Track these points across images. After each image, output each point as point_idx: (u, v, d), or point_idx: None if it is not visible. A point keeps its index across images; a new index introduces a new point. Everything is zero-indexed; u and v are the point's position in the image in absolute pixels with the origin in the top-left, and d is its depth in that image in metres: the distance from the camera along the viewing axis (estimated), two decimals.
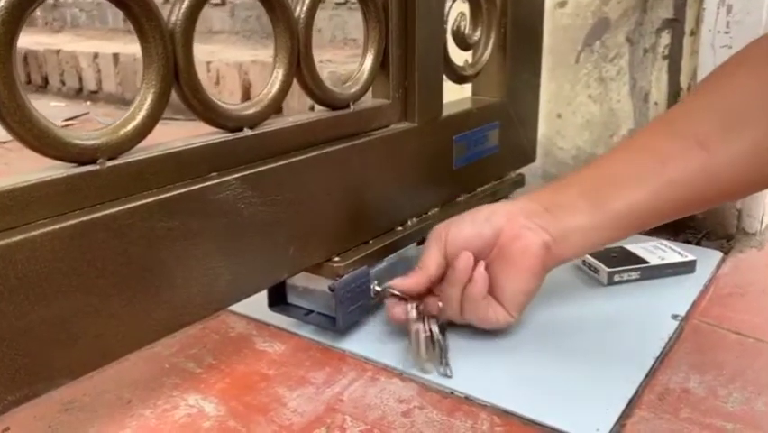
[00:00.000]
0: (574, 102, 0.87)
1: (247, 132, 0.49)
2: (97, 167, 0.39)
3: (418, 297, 0.55)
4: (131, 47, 2.16)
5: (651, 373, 0.53)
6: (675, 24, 0.79)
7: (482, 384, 0.51)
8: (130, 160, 0.41)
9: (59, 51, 2.28)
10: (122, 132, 0.41)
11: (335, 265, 0.55)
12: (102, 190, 0.40)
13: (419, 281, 0.55)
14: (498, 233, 0.53)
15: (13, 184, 0.36)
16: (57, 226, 0.37)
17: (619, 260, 0.68)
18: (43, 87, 2.37)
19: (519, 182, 0.81)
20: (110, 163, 0.40)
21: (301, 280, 0.57)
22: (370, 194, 0.59)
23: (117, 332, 0.41)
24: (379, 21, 0.58)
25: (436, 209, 0.68)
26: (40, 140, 0.37)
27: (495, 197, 0.76)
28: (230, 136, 0.48)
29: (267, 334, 0.59)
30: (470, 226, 0.54)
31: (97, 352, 0.40)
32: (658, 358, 0.54)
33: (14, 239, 0.35)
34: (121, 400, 0.51)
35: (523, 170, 0.82)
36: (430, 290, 0.56)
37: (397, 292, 0.55)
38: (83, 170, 0.39)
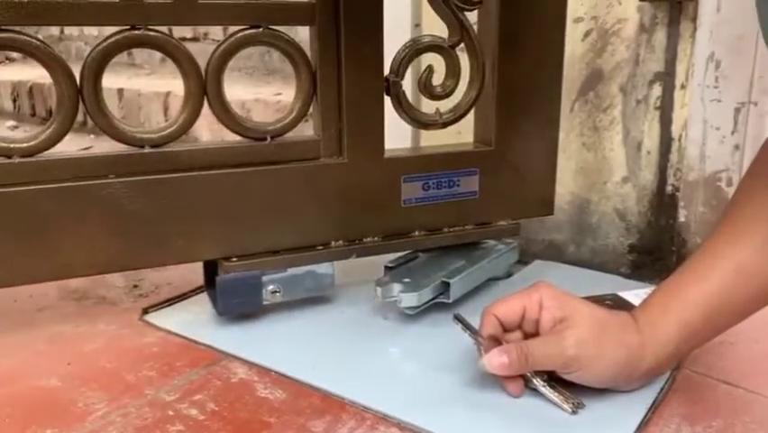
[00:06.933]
0: (569, 149, 0.89)
1: (147, 149, 0.65)
2: (10, 160, 0.61)
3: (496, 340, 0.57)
4: (134, 81, 2.19)
5: (643, 424, 0.54)
6: (666, 78, 0.82)
7: None
8: (39, 159, 0.62)
9: None
10: (33, 142, 0.62)
11: (227, 264, 0.68)
12: (14, 176, 0.61)
13: (516, 309, 0.58)
14: None
15: None
16: None
17: (613, 308, 0.69)
18: (47, 119, 2.39)
19: (508, 231, 0.80)
20: (21, 160, 0.62)
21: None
22: (283, 213, 0.70)
23: (10, 269, 0.62)
24: (308, 72, 0.69)
25: (376, 238, 0.74)
26: None
27: (461, 239, 0.78)
28: (129, 150, 0.66)
29: (268, 380, 0.60)
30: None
31: None
32: (650, 408, 0.55)
33: None
34: None
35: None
36: (498, 341, 0.57)
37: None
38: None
